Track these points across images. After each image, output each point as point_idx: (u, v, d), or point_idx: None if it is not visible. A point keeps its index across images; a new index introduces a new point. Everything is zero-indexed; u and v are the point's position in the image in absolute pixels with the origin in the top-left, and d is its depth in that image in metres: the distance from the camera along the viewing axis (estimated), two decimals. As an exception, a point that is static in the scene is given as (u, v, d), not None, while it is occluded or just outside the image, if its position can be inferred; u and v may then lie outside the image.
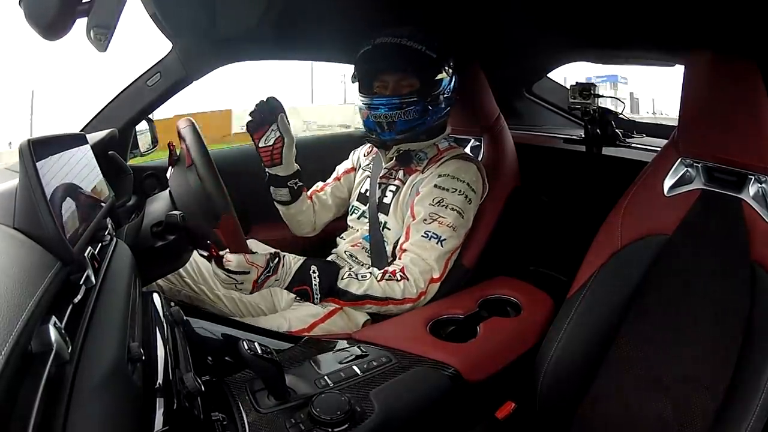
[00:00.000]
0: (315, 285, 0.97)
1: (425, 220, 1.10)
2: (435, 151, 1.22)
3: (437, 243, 1.07)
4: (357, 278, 1.01)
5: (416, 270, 1.05)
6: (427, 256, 1.07)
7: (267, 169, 1.21)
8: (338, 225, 1.36)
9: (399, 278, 1.03)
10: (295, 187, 1.23)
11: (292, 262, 0.98)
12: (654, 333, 0.83)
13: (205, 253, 0.95)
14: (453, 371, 0.84)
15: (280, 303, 1.23)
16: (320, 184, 1.39)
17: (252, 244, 0.99)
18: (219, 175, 0.87)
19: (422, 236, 1.08)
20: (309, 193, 1.33)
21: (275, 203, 1.28)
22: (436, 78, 1.15)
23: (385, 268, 1.06)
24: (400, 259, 1.10)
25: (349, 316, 1.10)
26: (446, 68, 1.17)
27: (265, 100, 1.12)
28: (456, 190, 1.12)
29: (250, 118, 1.13)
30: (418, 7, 1.20)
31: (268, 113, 1.12)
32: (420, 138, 1.20)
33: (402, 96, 1.14)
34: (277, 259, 0.97)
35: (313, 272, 0.98)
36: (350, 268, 1.04)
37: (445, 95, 1.18)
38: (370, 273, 1.03)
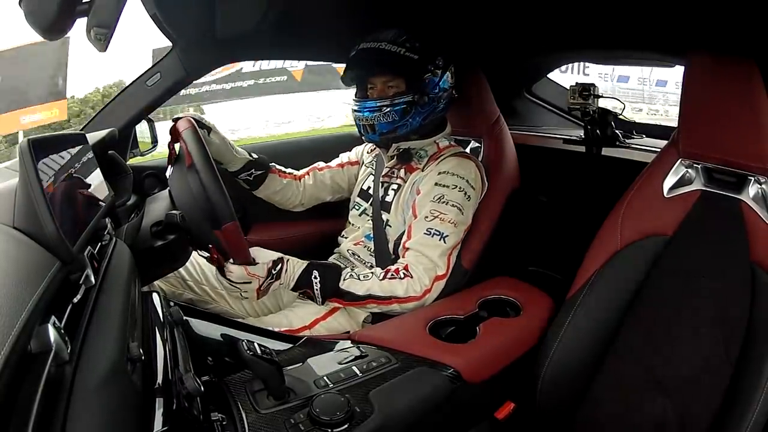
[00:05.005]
0: (317, 289, 1.00)
1: (426, 217, 1.10)
2: (435, 149, 1.22)
3: (440, 240, 1.08)
4: (359, 278, 1.02)
5: (420, 267, 1.05)
6: (430, 254, 1.07)
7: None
8: (339, 224, 1.36)
9: (402, 276, 1.04)
10: (251, 178, 1.23)
11: (296, 267, 1.01)
12: (654, 333, 0.83)
13: (206, 255, 0.96)
14: (453, 372, 0.84)
15: (283, 300, 1.24)
16: (321, 164, 1.38)
17: (254, 251, 0.98)
18: (221, 181, 0.86)
19: (425, 233, 1.09)
20: (306, 170, 1.34)
21: None
22: (422, 78, 1.16)
23: (388, 267, 1.07)
24: (403, 257, 1.10)
25: (350, 313, 1.11)
26: (432, 68, 1.17)
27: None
28: (456, 186, 1.13)
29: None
30: (416, 9, 1.20)
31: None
32: (411, 137, 1.20)
33: (390, 97, 1.15)
34: (280, 265, 0.99)
35: (315, 277, 1.00)
36: (352, 269, 1.05)
37: (432, 94, 1.17)
38: (372, 273, 1.04)
